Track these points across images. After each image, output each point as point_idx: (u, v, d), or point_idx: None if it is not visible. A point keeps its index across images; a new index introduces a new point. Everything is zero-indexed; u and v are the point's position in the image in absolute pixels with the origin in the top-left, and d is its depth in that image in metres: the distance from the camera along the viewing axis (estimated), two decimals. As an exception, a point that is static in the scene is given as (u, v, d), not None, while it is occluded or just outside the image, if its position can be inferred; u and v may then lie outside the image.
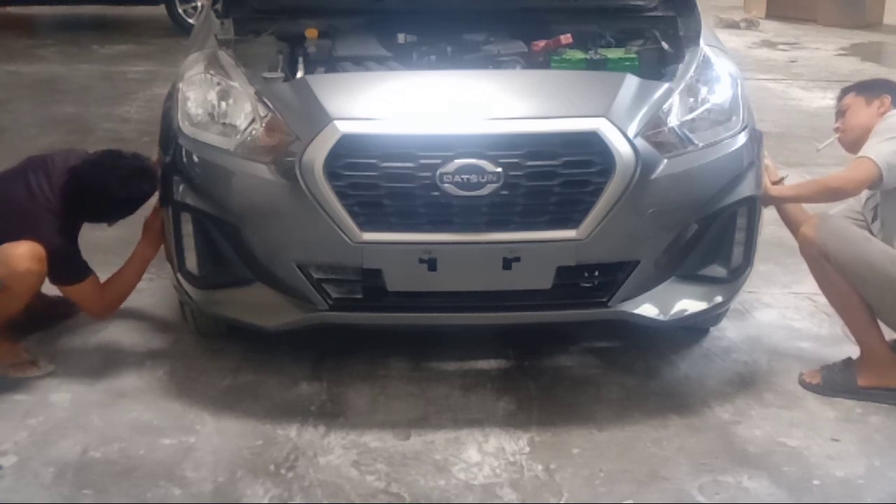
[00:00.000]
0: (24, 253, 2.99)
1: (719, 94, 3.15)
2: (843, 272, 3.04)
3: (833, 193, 3.17)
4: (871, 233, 3.23)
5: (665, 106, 3.00)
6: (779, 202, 3.30)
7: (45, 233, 3.07)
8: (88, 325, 3.55)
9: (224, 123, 3.05)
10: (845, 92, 3.41)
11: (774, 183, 3.33)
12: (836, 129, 3.41)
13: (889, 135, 3.08)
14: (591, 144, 2.83)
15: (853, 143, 3.27)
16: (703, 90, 3.13)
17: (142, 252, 3.35)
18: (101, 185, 3.13)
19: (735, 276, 3.14)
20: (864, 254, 3.02)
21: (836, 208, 3.38)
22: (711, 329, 3.56)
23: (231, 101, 3.07)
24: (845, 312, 3.16)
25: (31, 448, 2.80)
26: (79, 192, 3.15)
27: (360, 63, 3.39)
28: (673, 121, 3.00)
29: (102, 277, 3.40)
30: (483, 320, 3.13)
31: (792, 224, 3.33)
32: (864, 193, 3.26)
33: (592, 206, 2.84)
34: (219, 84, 3.11)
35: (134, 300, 3.75)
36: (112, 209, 3.25)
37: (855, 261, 3.02)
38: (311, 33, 3.51)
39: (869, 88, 3.34)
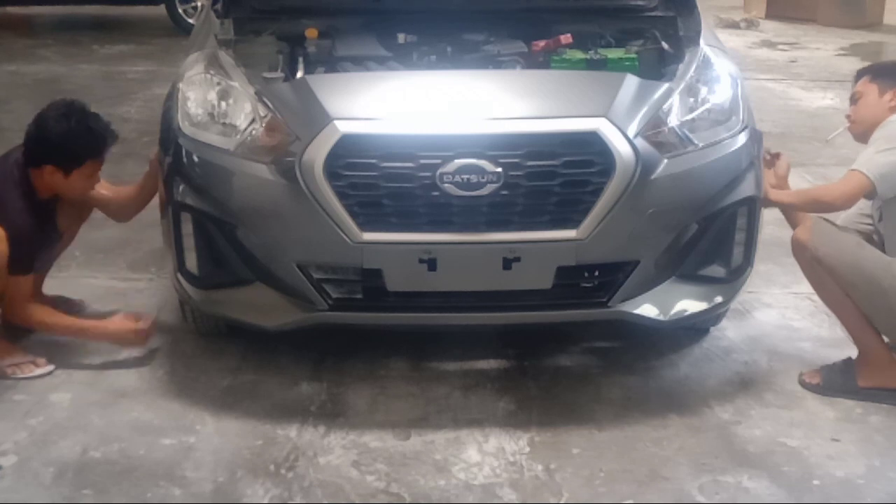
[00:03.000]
0: None
1: (719, 94, 3.15)
2: (834, 276, 3.04)
3: (826, 207, 3.15)
4: (879, 232, 3.22)
5: (665, 106, 3.00)
6: (776, 206, 3.29)
7: (8, 214, 3.06)
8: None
9: (224, 123, 3.05)
10: (861, 74, 3.33)
11: (780, 175, 3.31)
12: (848, 118, 3.35)
13: (886, 145, 3.06)
14: (591, 144, 2.83)
15: (862, 136, 3.24)
16: (703, 90, 3.13)
17: (79, 324, 3.31)
18: (48, 124, 3.14)
19: (735, 277, 3.14)
20: (854, 260, 3.02)
21: (844, 213, 3.36)
22: (711, 329, 3.56)
23: (231, 101, 3.07)
24: (841, 314, 3.17)
25: (31, 448, 2.80)
26: (33, 131, 3.17)
27: (360, 63, 3.39)
28: (673, 121, 3.00)
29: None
30: (483, 320, 3.13)
31: (792, 223, 3.33)
32: None
33: (592, 206, 2.84)
34: (219, 84, 3.11)
35: (134, 300, 3.77)
36: (53, 150, 3.14)
37: (845, 266, 3.02)
38: (311, 33, 3.51)
39: (884, 75, 3.25)
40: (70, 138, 3.14)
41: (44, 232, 3.24)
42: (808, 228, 3.10)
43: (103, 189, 3.46)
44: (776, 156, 3.36)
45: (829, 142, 3.58)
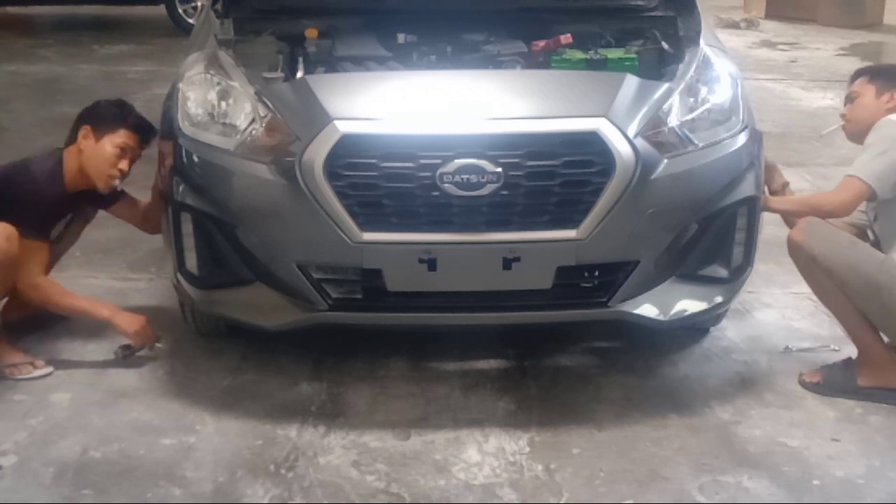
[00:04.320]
0: None
1: (719, 94, 3.14)
2: (830, 276, 3.05)
3: (825, 215, 3.15)
4: (874, 232, 3.23)
5: (665, 106, 2.99)
6: (774, 212, 3.30)
7: (35, 178, 3.20)
8: (88, 325, 3.54)
9: (224, 123, 3.05)
10: (858, 74, 3.34)
11: (776, 191, 3.32)
12: (842, 116, 3.35)
13: (881, 148, 3.06)
14: (591, 144, 2.83)
15: (856, 135, 3.24)
16: (703, 90, 3.13)
17: (101, 310, 3.30)
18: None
19: (735, 277, 3.14)
20: (849, 259, 3.02)
21: None
22: (711, 329, 3.56)
23: (231, 101, 3.07)
24: (838, 314, 3.17)
25: (31, 448, 2.80)
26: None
27: (360, 63, 3.39)
28: (673, 121, 3.00)
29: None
30: (483, 320, 3.13)
31: (790, 224, 3.33)
32: None
33: (592, 206, 2.84)
34: (219, 84, 3.11)
35: (134, 300, 3.77)
36: (94, 111, 3.37)
37: (840, 266, 3.02)
38: (311, 33, 3.51)
39: (882, 76, 3.27)
40: (112, 105, 3.41)
41: (61, 211, 3.31)
42: (803, 229, 3.11)
43: (128, 202, 3.53)
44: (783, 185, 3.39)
45: (823, 137, 3.59)
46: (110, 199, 3.48)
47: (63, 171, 3.29)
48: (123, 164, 3.30)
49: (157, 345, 3.33)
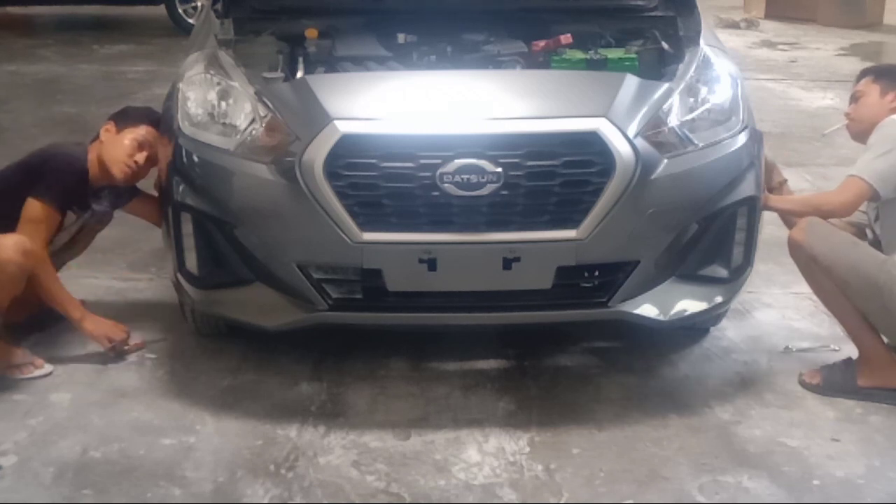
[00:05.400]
0: (10, 244, 3.02)
1: (719, 94, 3.15)
2: (830, 275, 3.05)
3: (826, 215, 3.16)
4: (873, 231, 3.23)
5: (665, 106, 3.00)
6: (774, 211, 3.30)
7: (69, 157, 3.28)
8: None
9: (224, 123, 3.05)
10: (863, 74, 3.35)
11: (774, 188, 3.33)
12: (847, 115, 3.37)
13: (883, 148, 3.06)
14: (591, 144, 2.83)
15: (860, 135, 3.25)
16: (703, 90, 3.13)
17: (74, 310, 3.26)
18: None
19: (735, 277, 3.14)
20: (849, 259, 3.02)
21: None
22: (711, 329, 3.56)
23: (231, 101, 3.07)
24: (838, 314, 3.17)
25: (31, 448, 2.80)
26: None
27: (360, 63, 3.40)
28: (673, 121, 3.00)
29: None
30: (483, 320, 3.13)
31: (789, 224, 3.34)
32: None
33: (592, 206, 2.84)
34: (219, 84, 3.11)
35: (134, 300, 3.77)
36: (120, 110, 3.48)
37: (841, 266, 3.02)
38: (311, 33, 3.51)
39: (887, 76, 3.28)
40: (138, 108, 3.52)
41: (80, 195, 3.31)
42: (803, 229, 3.11)
43: (143, 199, 3.54)
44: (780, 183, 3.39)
45: (825, 136, 3.60)
46: (126, 198, 3.49)
47: (87, 161, 3.33)
48: (140, 157, 3.31)
49: (138, 349, 3.34)
